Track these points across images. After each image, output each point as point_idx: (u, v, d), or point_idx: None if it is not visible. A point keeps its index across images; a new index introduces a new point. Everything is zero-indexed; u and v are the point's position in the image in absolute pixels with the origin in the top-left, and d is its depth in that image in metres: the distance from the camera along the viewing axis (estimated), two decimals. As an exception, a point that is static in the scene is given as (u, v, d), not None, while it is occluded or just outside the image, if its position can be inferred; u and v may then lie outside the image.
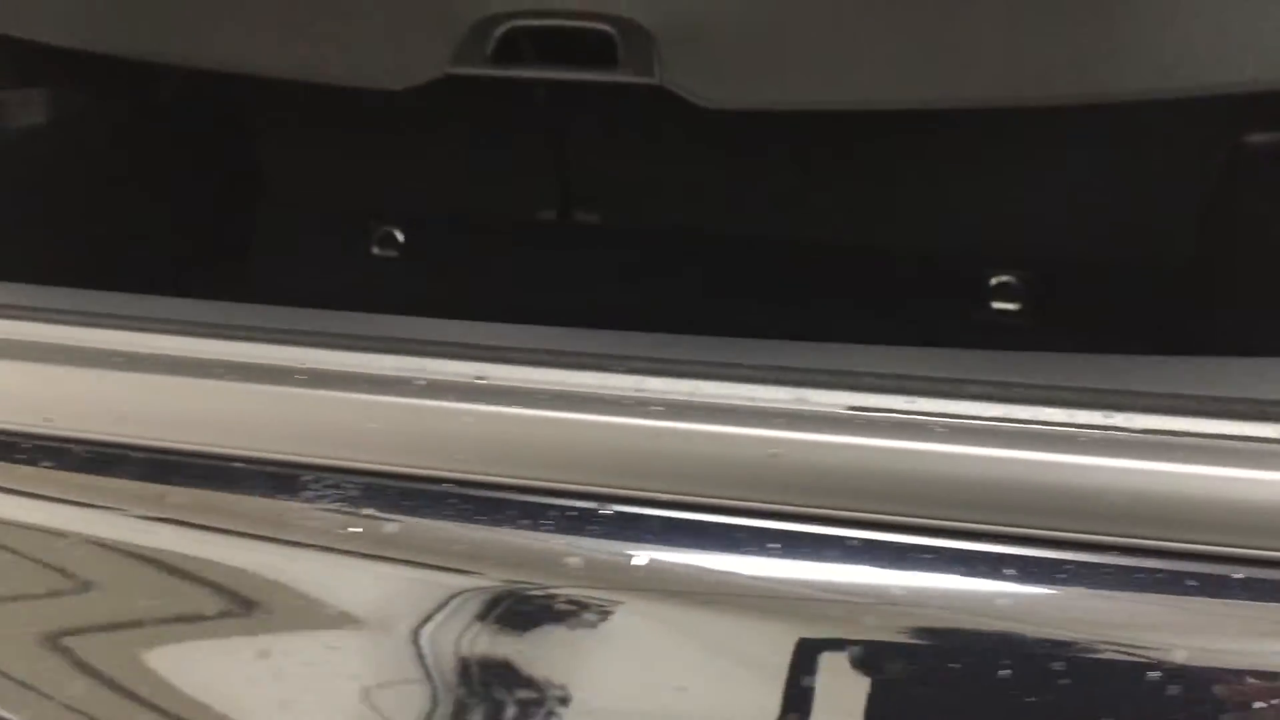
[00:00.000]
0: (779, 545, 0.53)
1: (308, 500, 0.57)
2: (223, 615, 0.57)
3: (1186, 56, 0.76)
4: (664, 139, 1.13)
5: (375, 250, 1.30)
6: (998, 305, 1.17)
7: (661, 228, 1.20)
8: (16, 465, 0.60)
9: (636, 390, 0.57)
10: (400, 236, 1.30)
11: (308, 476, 0.57)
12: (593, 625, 0.53)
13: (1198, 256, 1.04)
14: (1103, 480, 0.50)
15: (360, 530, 0.56)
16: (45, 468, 0.60)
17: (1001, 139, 1.09)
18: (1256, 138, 1.01)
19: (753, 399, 0.55)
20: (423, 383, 0.58)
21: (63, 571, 0.59)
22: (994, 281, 1.16)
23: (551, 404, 0.57)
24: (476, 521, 0.56)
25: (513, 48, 0.81)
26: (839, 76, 0.82)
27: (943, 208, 1.14)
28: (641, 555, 0.54)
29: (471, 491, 0.56)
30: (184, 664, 0.57)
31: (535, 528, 0.55)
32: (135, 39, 0.94)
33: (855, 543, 0.52)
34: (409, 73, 0.83)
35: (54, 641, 0.58)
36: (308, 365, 0.60)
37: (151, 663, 0.57)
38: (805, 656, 0.51)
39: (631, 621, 0.54)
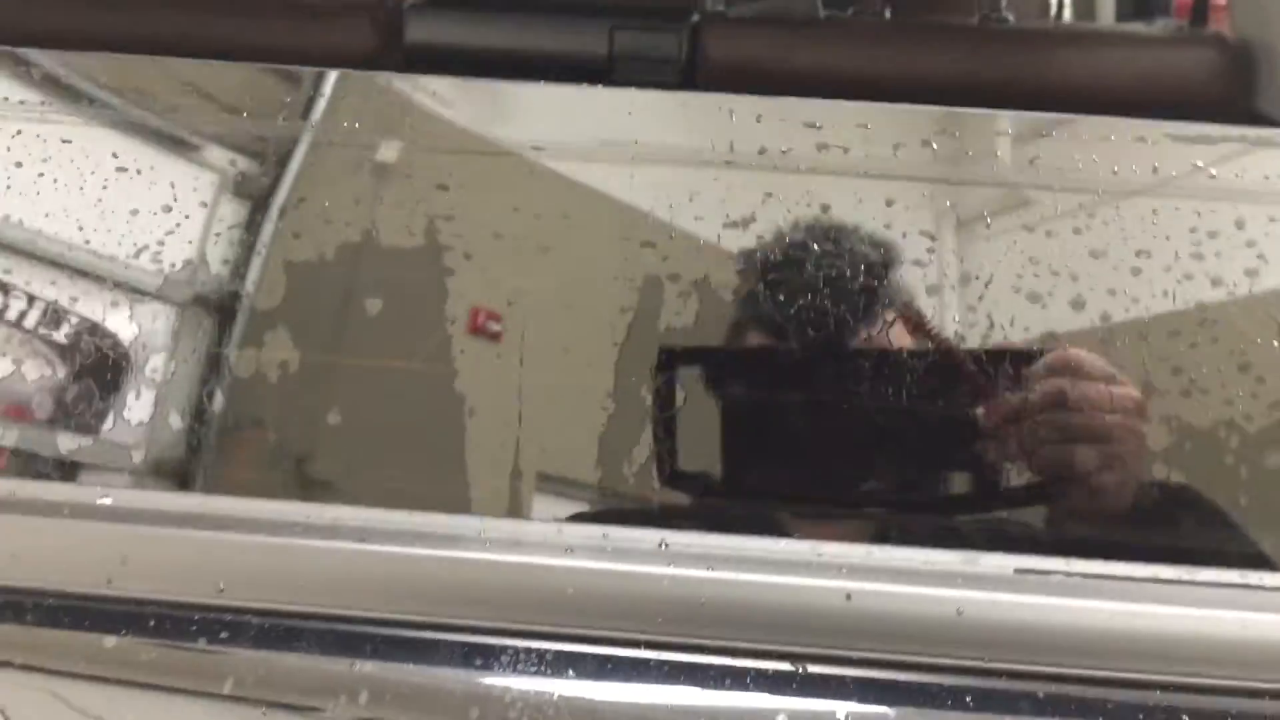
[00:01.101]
0: (971, 700, 0.57)
1: (504, 671, 0.58)
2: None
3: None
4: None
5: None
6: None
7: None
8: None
9: (818, 555, 0.61)
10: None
11: (501, 644, 0.58)
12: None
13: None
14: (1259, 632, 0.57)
15: (558, 697, 0.57)
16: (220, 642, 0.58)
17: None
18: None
19: (930, 562, 0.60)
20: (610, 549, 0.61)
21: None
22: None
23: (736, 567, 0.60)
24: (677, 683, 0.58)
25: None
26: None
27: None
28: (842, 712, 0.57)
29: (668, 656, 0.58)
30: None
31: (739, 688, 0.58)
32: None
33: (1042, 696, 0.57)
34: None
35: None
36: (489, 533, 0.61)
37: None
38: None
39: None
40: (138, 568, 0.60)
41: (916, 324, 0.83)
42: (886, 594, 0.59)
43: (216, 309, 0.71)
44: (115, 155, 0.83)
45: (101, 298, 0.74)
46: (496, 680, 0.58)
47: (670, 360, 0.83)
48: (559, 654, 0.59)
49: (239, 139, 0.92)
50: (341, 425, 0.67)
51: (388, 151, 0.79)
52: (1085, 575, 0.60)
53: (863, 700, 0.58)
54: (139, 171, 0.84)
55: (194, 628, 0.59)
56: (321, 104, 0.86)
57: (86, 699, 0.57)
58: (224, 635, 0.58)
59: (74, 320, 0.79)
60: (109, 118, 0.86)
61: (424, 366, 0.70)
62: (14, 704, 0.57)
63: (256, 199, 0.84)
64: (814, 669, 0.58)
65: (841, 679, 0.58)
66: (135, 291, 0.78)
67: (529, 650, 0.59)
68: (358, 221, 0.75)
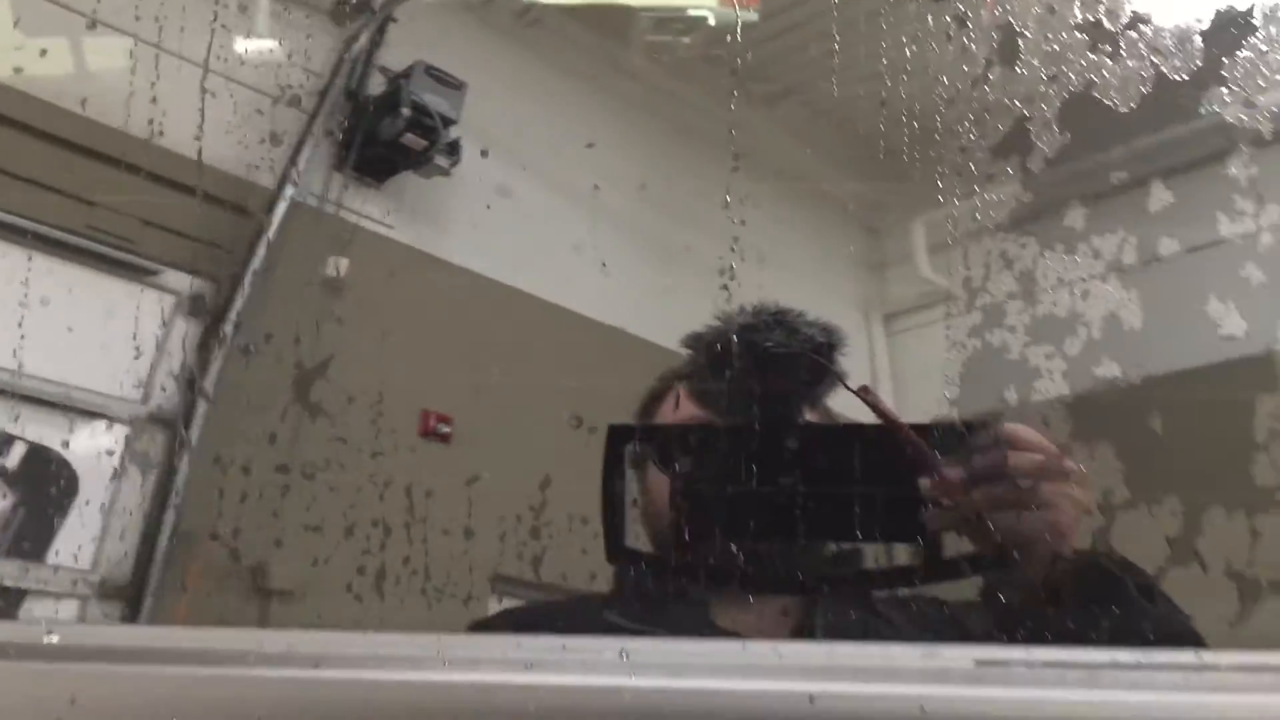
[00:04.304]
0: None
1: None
2: None
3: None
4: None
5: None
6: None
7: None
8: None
9: (779, 656, 0.60)
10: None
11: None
12: None
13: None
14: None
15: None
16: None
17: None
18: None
19: (890, 657, 0.60)
20: (570, 662, 0.60)
21: None
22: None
23: (698, 674, 0.60)
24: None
25: None
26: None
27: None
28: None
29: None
30: None
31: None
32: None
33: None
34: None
35: None
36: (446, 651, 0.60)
37: None
38: None
39: None
40: (87, 706, 0.58)
41: (864, 401, 0.84)
42: (849, 695, 0.59)
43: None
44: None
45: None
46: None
47: (618, 438, 0.83)
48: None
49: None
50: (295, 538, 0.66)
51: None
52: (1046, 664, 0.60)
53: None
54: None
55: (146, 767, 0.57)
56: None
57: None
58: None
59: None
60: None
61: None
62: None
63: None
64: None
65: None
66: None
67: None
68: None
